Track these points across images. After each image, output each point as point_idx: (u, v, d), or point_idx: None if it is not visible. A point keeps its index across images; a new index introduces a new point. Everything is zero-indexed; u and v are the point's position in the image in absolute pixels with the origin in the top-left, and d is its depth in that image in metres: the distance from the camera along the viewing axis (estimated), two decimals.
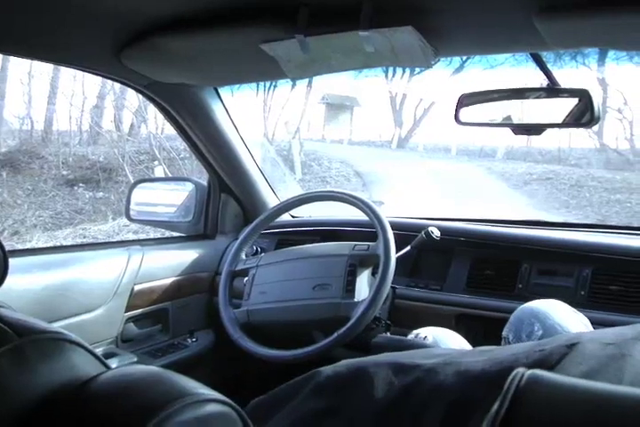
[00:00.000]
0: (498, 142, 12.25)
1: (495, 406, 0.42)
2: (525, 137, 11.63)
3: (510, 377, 0.44)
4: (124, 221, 7.58)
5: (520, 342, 1.31)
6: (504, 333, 1.39)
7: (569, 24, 1.08)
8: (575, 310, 1.42)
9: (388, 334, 1.66)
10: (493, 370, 0.64)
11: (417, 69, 10.17)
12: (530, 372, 0.45)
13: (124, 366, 1.57)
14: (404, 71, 11.62)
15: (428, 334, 1.43)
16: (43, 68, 9.88)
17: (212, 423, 0.53)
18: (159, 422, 0.48)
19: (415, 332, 1.46)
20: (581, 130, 10.66)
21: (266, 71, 1.54)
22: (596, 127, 10.49)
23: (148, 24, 1.30)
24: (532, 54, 1.37)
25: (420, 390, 0.66)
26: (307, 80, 10.79)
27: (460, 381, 0.64)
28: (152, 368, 0.61)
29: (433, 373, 0.67)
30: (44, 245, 6.81)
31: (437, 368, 0.67)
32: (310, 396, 0.76)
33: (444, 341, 1.41)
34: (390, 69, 10.87)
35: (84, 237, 7.64)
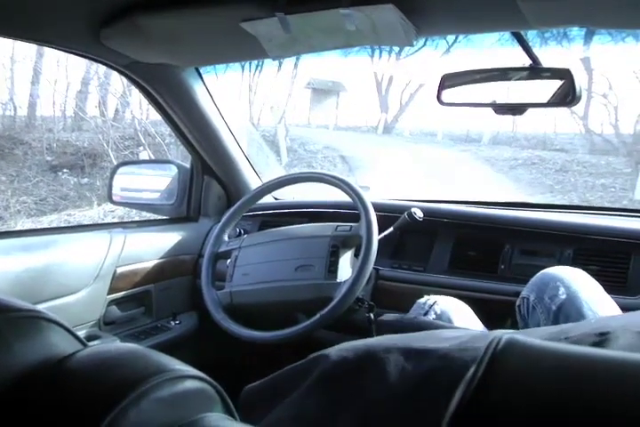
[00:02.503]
0: (484, 127, 12.28)
1: (471, 371, 0.42)
2: (511, 122, 11.69)
3: (488, 341, 0.44)
4: (110, 206, 7.56)
5: (542, 304, 1.32)
6: (524, 293, 1.39)
7: (550, 2, 1.08)
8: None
9: (372, 315, 1.66)
10: None
11: (403, 53, 10.16)
12: (508, 336, 0.45)
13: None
14: (389, 55, 11.58)
15: (440, 302, 1.42)
16: (25, 53, 9.77)
17: (190, 400, 0.52)
18: (136, 397, 0.47)
19: (427, 297, 1.45)
20: (567, 115, 10.69)
21: (247, 50, 1.52)
22: (581, 112, 10.53)
23: (128, 2, 1.28)
24: (513, 33, 1.36)
25: (437, 378, 0.62)
26: (293, 64, 10.73)
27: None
28: (130, 345, 0.60)
29: (449, 359, 0.63)
30: None
31: (453, 354, 0.64)
32: (317, 384, 0.71)
33: (451, 315, 1.39)
34: (376, 54, 10.82)
35: (69, 223, 7.60)
